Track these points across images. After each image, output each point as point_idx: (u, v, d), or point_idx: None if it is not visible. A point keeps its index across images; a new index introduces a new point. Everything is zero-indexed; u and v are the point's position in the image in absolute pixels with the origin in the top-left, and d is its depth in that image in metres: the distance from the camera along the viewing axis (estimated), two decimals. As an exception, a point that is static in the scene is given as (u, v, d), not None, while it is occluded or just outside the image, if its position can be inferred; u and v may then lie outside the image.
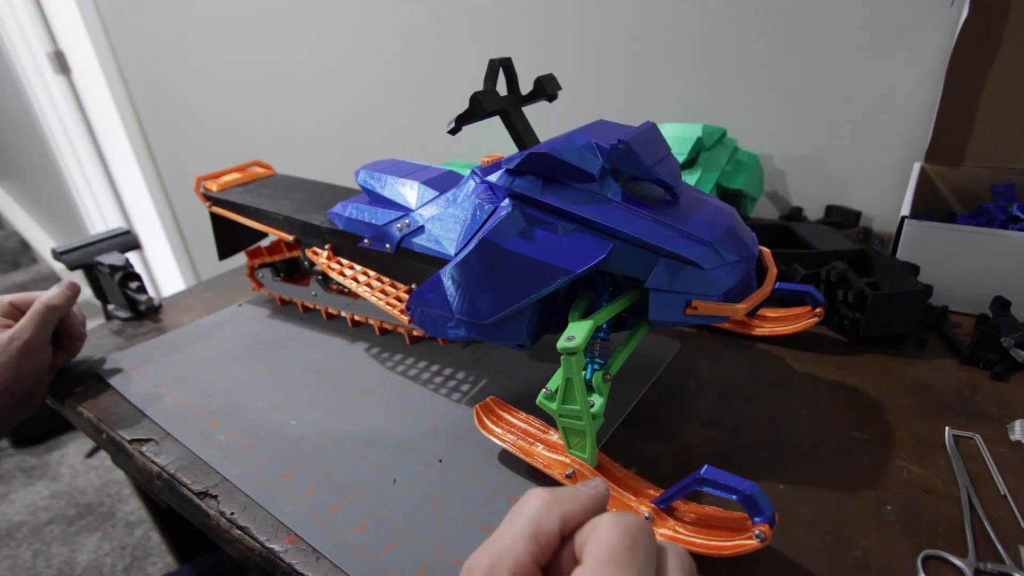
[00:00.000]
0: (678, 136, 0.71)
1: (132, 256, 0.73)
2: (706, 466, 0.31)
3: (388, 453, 0.44)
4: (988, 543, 0.34)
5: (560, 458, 0.39)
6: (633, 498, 0.36)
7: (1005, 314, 0.51)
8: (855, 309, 0.51)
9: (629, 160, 0.36)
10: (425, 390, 0.51)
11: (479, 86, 0.41)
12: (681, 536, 0.33)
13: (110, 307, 0.71)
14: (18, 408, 0.53)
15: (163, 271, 2.22)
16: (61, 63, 2.00)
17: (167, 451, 0.46)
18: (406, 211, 0.48)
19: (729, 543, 0.32)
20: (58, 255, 0.66)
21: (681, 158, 0.69)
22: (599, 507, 0.25)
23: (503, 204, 0.40)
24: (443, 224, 0.45)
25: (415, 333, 0.57)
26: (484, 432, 0.42)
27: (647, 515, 0.35)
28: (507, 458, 0.42)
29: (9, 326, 0.52)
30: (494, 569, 0.22)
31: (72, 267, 0.67)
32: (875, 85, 0.72)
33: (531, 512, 0.24)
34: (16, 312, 0.54)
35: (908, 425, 0.43)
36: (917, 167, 0.67)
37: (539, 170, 0.38)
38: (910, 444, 0.41)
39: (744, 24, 0.77)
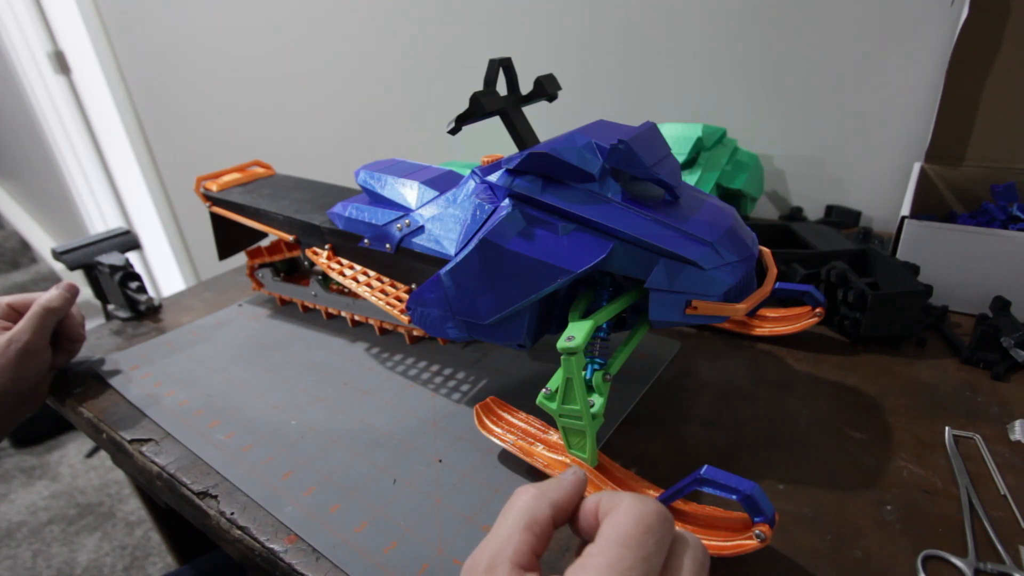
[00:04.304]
0: (678, 136, 0.71)
1: (132, 256, 0.73)
2: (706, 466, 0.31)
3: (388, 453, 0.44)
4: (988, 543, 0.34)
5: (560, 458, 0.39)
6: (633, 498, 0.36)
7: (1005, 314, 0.51)
8: (855, 309, 0.51)
9: (629, 160, 0.36)
10: (425, 390, 0.51)
11: (479, 86, 0.41)
12: (681, 536, 0.33)
13: (110, 307, 0.71)
14: (18, 409, 0.53)
15: (163, 271, 2.22)
16: (61, 63, 2.00)
17: (167, 451, 0.46)
18: (406, 211, 0.48)
19: (729, 543, 0.32)
20: (58, 255, 0.66)
21: (681, 158, 0.69)
22: (582, 489, 0.27)
23: (503, 204, 0.40)
24: (443, 224, 0.45)
25: (415, 333, 0.57)
26: (484, 432, 0.42)
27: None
28: (507, 458, 0.42)
29: (8, 328, 0.52)
30: (495, 562, 0.23)
31: (72, 267, 0.67)
32: (875, 85, 0.72)
33: (522, 506, 0.25)
34: (14, 314, 0.54)
35: (908, 425, 0.43)
36: (917, 167, 0.67)
37: (539, 170, 0.38)
38: (910, 444, 0.41)
39: (744, 24, 0.77)
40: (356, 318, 0.61)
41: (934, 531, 0.35)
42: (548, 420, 0.42)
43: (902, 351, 0.51)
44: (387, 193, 0.50)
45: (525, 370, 0.53)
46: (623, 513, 0.24)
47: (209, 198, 0.66)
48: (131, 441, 0.48)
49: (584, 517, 0.26)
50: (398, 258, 0.49)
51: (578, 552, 0.25)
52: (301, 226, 0.57)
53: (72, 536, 1.46)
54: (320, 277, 0.63)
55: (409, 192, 0.48)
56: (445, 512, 0.38)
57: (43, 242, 2.80)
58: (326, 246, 0.56)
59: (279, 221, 0.59)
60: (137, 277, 0.69)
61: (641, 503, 0.24)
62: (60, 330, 0.56)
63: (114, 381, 0.56)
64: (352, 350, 0.58)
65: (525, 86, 0.44)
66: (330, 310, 0.64)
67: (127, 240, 0.71)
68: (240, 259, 0.74)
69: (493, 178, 0.41)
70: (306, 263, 0.67)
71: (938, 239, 0.53)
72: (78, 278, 0.67)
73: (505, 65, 0.42)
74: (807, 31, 0.73)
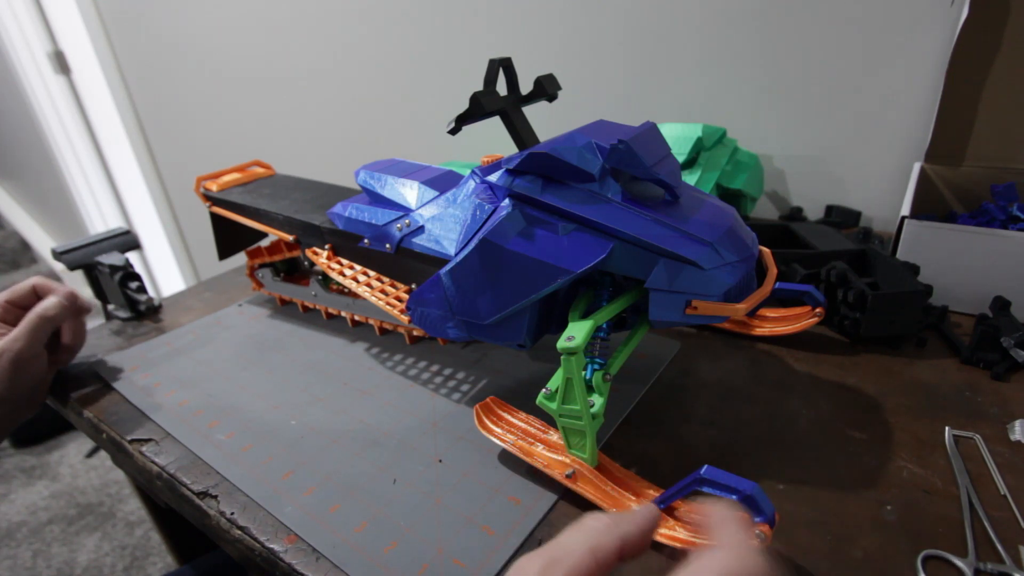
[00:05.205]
0: (678, 136, 0.71)
1: (132, 256, 0.73)
2: (706, 466, 0.31)
3: (388, 453, 0.44)
4: (988, 543, 0.34)
5: (560, 458, 0.39)
6: (633, 498, 0.36)
7: (1005, 314, 0.51)
8: (855, 309, 0.51)
9: (629, 160, 0.36)
10: (425, 390, 0.51)
11: (479, 86, 0.41)
12: (681, 536, 0.33)
13: (110, 307, 0.71)
14: (16, 413, 0.53)
15: (163, 271, 2.22)
16: (61, 63, 2.00)
17: (167, 451, 0.46)
18: (406, 211, 0.48)
19: (729, 543, 0.31)
20: (58, 255, 0.66)
21: (681, 158, 0.69)
22: (654, 527, 0.26)
23: (503, 204, 0.40)
24: (443, 224, 0.45)
25: (415, 333, 0.57)
26: (484, 432, 0.42)
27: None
28: (507, 458, 0.42)
29: (4, 332, 0.52)
30: (550, 568, 0.22)
31: (72, 267, 0.67)
32: (875, 85, 0.72)
33: (592, 528, 0.24)
34: (13, 310, 0.54)
35: (908, 425, 0.43)
36: (917, 167, 0.67)
37: (539, 170, 0.39)
38: (910, 444, 0.41)
39: (744, 24, 0.77)
40: (356, 318, 0.61)
41: (934, 531, 0.35)
42: (548, 420, 0.42)
43: (902, 351, 0.51)
44: (387, 193, 0.50)
45: (525, 370, 0.53)
46: (712, 562, 0.21)
47: (209, 198, 0.66)
48: (131, 441, 0.48)
49: (705, 518, 0.25)
50: (398, 258, 0.49)
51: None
52: (301, 226, 0.57)
53: (72, 536, 1.46)
54: (320, 277, 0.63)
55: (409, 192, 0.48)
56: (445, 512, 0.38)
57: (43, 242, 2.80)
58: (326, 246, 0.56)
59: (279, 221, 0.59)
60: (137, 277, 0.69)
61: (738, 562, 0.21)
62: (63, 328, 0.56)
63: (114, 381, 0.56)
64: (352, 350, 0.58)
65: (525, 86, 0.44)
66: (330, 310, 0.64)
67: (127, 240, 0.71)
68: (240, 259, 0.74)
69: (493, 178, 0.41)
70: (306, 263, 0.67)
71: (938, 239, 0.53)
72: (78, 278, 0.67)
73: (505, 65, 0.42)
74: (807, 31, 0.73)
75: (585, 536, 0.24)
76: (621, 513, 0.26)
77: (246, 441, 0.46)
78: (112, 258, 0.68)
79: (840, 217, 0.77)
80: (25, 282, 0.56)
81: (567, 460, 0.39)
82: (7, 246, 2.76)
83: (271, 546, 0.37)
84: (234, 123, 1.50)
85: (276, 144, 1.43)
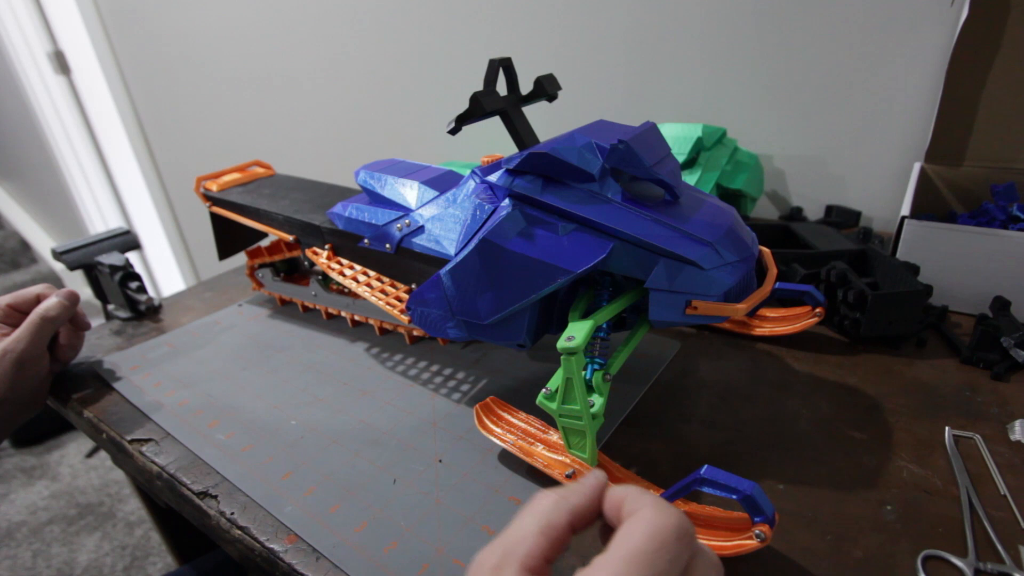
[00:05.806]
0: (678, 136, 0.71)
1: (132, 256, 0.73)
2: (706, 466, 0.31)
3: (388, 453, 0.44)
4: (988, 543, 0.34)
5: (560, 458, 0.39)
6: (633, 498, 0.36)
7: (1005, 314, 0.51)
8: (855, 309, 0.51)
9: (629, 160, 0.36)
10: (425, 390, 0.51)
11: (479, 86, 0.41)
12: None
13: (110, 307, 0.71)
14: (19, 414, 0.53)
15: (163, 271, 2.22)
16: (61, 63, 2.00)
17: (167, 451, 0.46)
18: (406, 211, 0.48)
19: (729, 543, 0.32)
20: (58, 255, 0.66)
21: (681, 158, 0.69)
22: (600, 494, 0.26)
23: (503, 204, 0.40)
24: (443, 224, 0.45)
25: (415, 333, 0.57)
26: (484, 432, 0.42)
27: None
28: (507, 458, 0.42)
29: (6, 334, 0.52)
30: (504, 562, 0.23)
31: (72, 267, 0.67)
32: (875, 85, 0.72)
33: (541, 509, 0.25)
34: (15, 314, 0.54)
35: (908, 425, 0.43)
36: (917, 167, 0.67)
37: (539, 170, 0.39)
38: (910, 444, 0.41)
39: (744, 24, 0.77)
40: (356, 318, 0.61)
41: (934, 531, 0.35)
42: (548, 420, 0.42)
43: (902, 351, 0.51)
44: (387, 193, 0.50)
45: (525, 370, 0.53)
46: (638, 524, 0.22)
47: (209, 198, 0.66)
48: (131, 441, 0.48)
49: (608, 508, 0.25)
50: (398, 258, 0.49)
51: (602, 536, 0.24)
52: (301, 226, 0.57)
53: (72, 536, 1.46)
54: (320, 277, 0.63)
55: (409, 192, 0.48)
56: (445, 512, 0.38)
57: (43, 242, 2.80)
58: (326, 246, 0.56)
59: (279, 221, 0.59)
60: (137, 277, 0.69)
61: (661, 515, 0.23)
62: (60, 332, 0.56)
63: (114, 381, 0.56)
64: (352, 350, 0.58)
65: (525, 86, 0.44)
66: (330, 310, 0.64)
67: (127, 240, 0.71)
68: (240, 259, 0.74)
69: (493, 178, 0.41)
70: (306, 263, 0.67)
71: (938, 239, 0.53)
72: (78, 278, 0.67)
73: (505, 65, 0.42)
74: (807, 31, 0.73)
75: (535, 518, 0.24)
76: (569, 486, 0.26)
77: (246, 441, 0.46)
78: (112, 258, 0.68)
79: (840, 217, 0.77)
80: (30, 289, 0.56)
81: (567, 460, 0.39)
82: (7, 246, 2.76)
83: (271, 546, 0.37)
84: (234, 123, 1.50)
85: (276, 144, 1.43)
